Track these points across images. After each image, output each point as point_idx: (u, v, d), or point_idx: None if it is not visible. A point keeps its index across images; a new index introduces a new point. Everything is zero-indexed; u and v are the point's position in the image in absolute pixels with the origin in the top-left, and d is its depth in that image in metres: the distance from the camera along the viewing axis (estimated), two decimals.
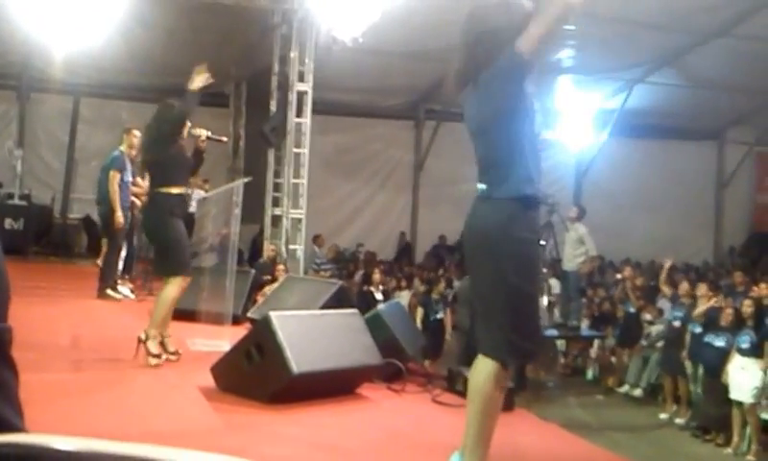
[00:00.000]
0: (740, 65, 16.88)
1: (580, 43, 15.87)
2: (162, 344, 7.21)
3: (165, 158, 7.23)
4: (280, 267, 12.91)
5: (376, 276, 13.93)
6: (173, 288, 7.19)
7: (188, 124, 7.46)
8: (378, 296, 12.80)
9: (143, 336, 7.03)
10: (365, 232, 20.29)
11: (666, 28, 15.49)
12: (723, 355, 10.56)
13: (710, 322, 11.23)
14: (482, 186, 4.12)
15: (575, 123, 20.00)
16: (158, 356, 7.06)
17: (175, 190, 7.21)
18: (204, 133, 7.59)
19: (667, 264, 13.39)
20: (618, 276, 15.97)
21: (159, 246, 7.52)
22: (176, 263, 7.22)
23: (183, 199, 7.48)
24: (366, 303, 10.81)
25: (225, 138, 7.92)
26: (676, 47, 16.79)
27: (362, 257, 18.75)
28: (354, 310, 7.40)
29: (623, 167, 20.50)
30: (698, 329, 11.38)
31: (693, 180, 22.01)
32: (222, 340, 7.78)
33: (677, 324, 11.97)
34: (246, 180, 9.07)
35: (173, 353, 7.32)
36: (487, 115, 4.10)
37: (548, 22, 3.98)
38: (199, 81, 7.38)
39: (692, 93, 18.95)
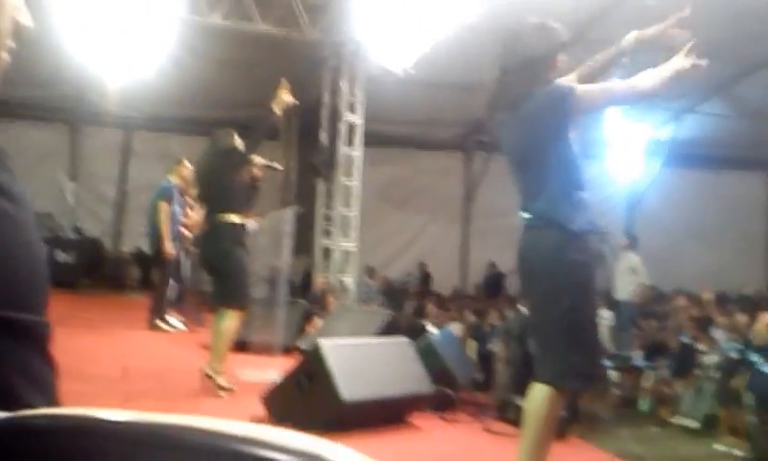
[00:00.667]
0: None
1: (629, 73, 15.75)
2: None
3: (227, 188, 7.21)
4: (331, 299, 12.94)
5: (431, 308, 13.91)
6: (231, 320, 7.16)
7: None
8: (431, 329, 12.73)
9: (210, 372, 7.01)
10: (415, 264, 20.23)
11: (714, 57, 15.25)
12: None
13: (766, 351, 11.00)
14: (527, 216, 4.07)
15: (625, 153, 19.94)
16: (230, 390, 7.05)
17: (236, 219, 7.19)
18: (259, 160, 7.58)
19: (705, 296, 13.23)
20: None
21: (220, 275, 7.41)
22: (237, 293, 7.17)
23: (245, 228, 7.44)
24: (418, 334, 10.74)
25: (279, 166, 7.91)
26: (724, 76, 16.64)
27: (412, 289, 18.68)
28: (405, 339, 7.36)
29: (674, 197, 20.32)
30: (755, 359, 11.15)
31: (744, 209, 21.68)
32: (272, 370, 7.77)
33: (733, 353, 11.75)
34: (296, 208, 9.09)
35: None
36: (530, 145, 4.06)
37: (632, 94, 3.98)
38: (284, 99, 7.31)
39: (741, 123, 18.76)
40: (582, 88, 3.96)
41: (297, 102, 7.58)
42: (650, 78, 3.97)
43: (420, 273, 20.02)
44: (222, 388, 6.97)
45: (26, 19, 1.20)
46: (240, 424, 0.79)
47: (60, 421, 0.84)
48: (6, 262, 0.97)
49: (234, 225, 7.15)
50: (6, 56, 1.16)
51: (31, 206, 1.06)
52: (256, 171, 7.60)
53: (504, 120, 4.20)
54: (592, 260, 4.14)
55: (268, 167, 7.80)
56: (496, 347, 13.38)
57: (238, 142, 7.38)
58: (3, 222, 0.98)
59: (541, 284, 4.00)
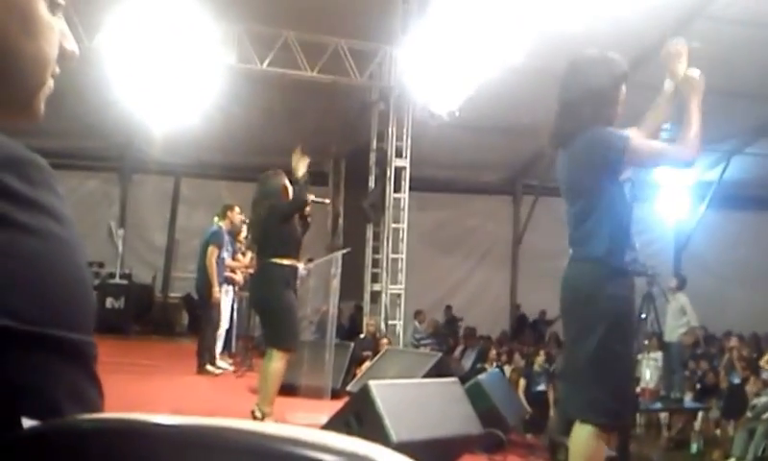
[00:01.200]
0: None
1: (676, 115, 15.69)
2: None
3: (276, 231, 7.24)
4: (384, 340, 12.95)
5: (492, 353, 13.88)
6: (278, 362, 7.16)
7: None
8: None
9: (258, 413, 7.02)
10: (464, 308, 20.14)
11: (763, 100, 15.32)
12: None
13: None
14: (571, 250, 4.06)
15: (673, 195, 19.90)
16: None
17: (286, 262, 7.22)
18: (308, 197, 7.61)
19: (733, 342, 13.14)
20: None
21: (269, 317, 7.44)
22: (284, 335, 7.17)
23: (295, 271, 7.44)
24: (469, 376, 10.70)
25: (327, 200, 7.95)
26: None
27: (462, 333, 18.58)
28: (454, 379, 7.31)
29: (722, 239, 20.22)
30: None
31: None
32: (321, 414, 7.75)
33: None
34: (344, 251, 9.13)
35: None
36: (579, 181, 4.04)
37: (671, 161, 3.97)
38: (302, 166, 7.41)
39: None
40: (635, 144, 3.92)
41: (310, 160, 7.55)
42: (689, 128, 3.93)
43: (447, 315, 19.83)
44: None
45: (71, 45, 1.22)
46: (287, 426, 0.79)
47: (107, 423, 0.85)
48: (56, 282, 0.99)
49: (283, 267, 7.15)
50: (52, 83, 1.18)
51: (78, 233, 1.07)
52: (306, 207, 7.60)
53: (561, 154, 4.19)
54: (631, 297, 4.09)
55: (315, 202, 7.80)
56: (545, 387, 13.32)
57: (287, 183, 7.42)
58: (54, 244, 0.99)
59: (577, 316, 3.99)
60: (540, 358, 13.72)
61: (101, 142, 17.49)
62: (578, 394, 3.98)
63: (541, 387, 13.34)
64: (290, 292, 7.19)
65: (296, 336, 7.24)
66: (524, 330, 20.10)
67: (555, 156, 4.31)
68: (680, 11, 12.72)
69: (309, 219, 7.67)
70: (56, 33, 1.18)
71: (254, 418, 6.96)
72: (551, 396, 13.40)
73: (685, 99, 3.95)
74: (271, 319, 7.39)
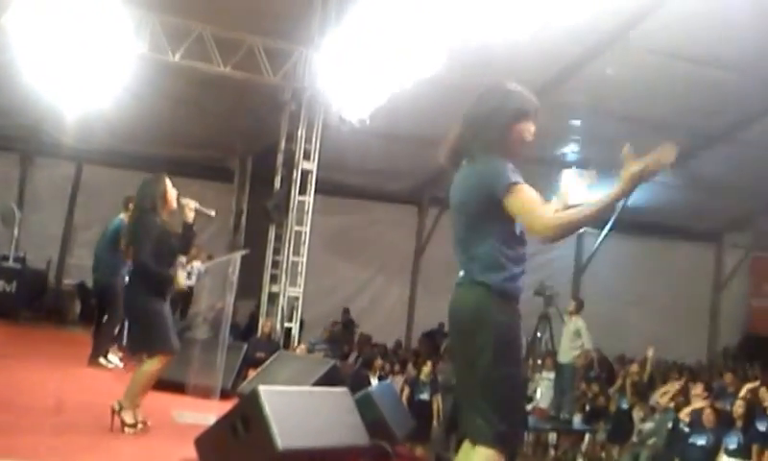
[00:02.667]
0: (739, 170, 17.23)
1: (584, 138, 16.03)
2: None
3: (149, 245, 7.04)
4: (303, 346, 13.04)
5: (378, 362, 13.92)
6: (156, 365, 7.03)
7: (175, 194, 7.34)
8: (374, 381, 12.73)
9: (116, 407, 6.86)
10: (361, 315, 20.14)
11: (670, 129, 15.70)
12: (707, 455, 10.50)
13: (695, 421, 11.17)
14: (460, 273, 4.06)
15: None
16: (134, 425, 6.91)
17: (158, 269, 7.05)
18: (192, 203, 7.39)
19: (650, 353, 13.45)
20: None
21: (141, 322, 7.26)
22: (161, 339, 7.03)
23: (166, 279, 7.19)
24: (361, 385, 10.69)
25: (213, 212, 7.73)
26: (680, 149, 16.91)
27: (357, 339, 18.61)
28: (344, 389, 7.30)
29: (622, 264, 20.72)
30: (686, 429, 11.30)
31: (690, 280, 22.24)
32: (209, 413, 7.67)
33: (669, 423, 11.88)
34: (242, 252, 9.02)
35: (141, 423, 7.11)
36: (465, 201, 4.04)
37: (533, 219, 3.93)
38: (190, 211, 7.25)
39: (693, 195, 19.28)
40: (519, 200, 3.89)
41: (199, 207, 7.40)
42: (576, 211, 3.92)
43: (344, 318, 19.81)
44: (127, 425, 6.83)
45: None
46: None
47: None
48: None
49: (153, 275, 7.02)
50: None
51: None
52: (188, 211, 7.38)
53: (454, 173, 4.20)
54: (517, 323, 4.11)
55: (200, 212, 7.58)
56: (428, 397, 13.44)
57: (168, 188, 7.23)
58: None
59: (464, 341, 3.99)
60: (427, 368, 13.84)
61: (3, 121, 17.02)
62: (471, 417, 3.98)
63: (425, 396, 13.47)
64: (160, 298, 7.04)
65: (168, 341, 7.05)
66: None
67: (450, 173, 4.32)
68: (600, 34, 12.94)
69: (193, 229, 7.42)
70: None
71: (113, 411, 6.84)
72: (434, 406, 13.56)
73: (614, 185, 3.95)
74: (143, 324, 7.22)
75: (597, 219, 3.94)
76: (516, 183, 3.84)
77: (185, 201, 7.33)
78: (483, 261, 3.92)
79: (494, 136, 3.98)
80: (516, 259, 3.98)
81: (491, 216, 3.90)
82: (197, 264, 14.59)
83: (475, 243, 3.96)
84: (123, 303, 7.73)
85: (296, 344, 14.16)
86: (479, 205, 3.93)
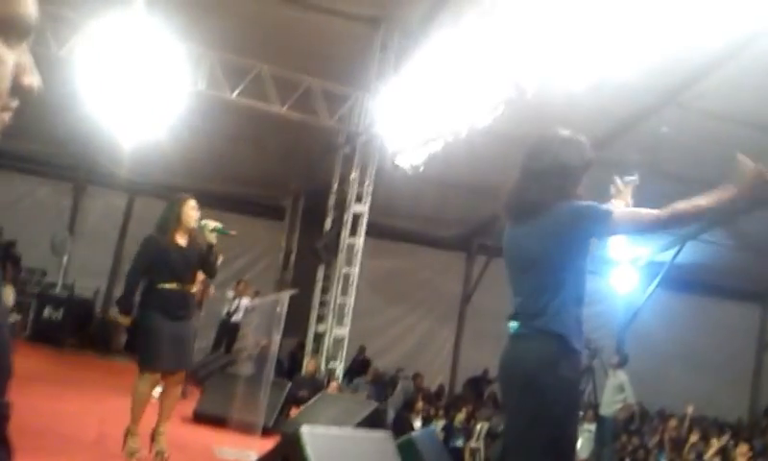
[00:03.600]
0: None
1: (636, 195, 15.96)
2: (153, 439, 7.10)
3: (160, 257, 7.09)
4: (334, 384, 13.00)
5: (419, 405, 13.89)
6: (140, 382, 7.03)
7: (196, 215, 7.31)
8: (417, 423, 12.73)
9: (124, 432, 6.93)
10: (406, 358, 20.13)
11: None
12: None
13: None
14: (516, 325, 4.00)
15: (625, 272, 20.24)
16: (136, 452, 6.92)
17: (161, 285, 7.02)
18: (210, 224, 7.37)
19: (689, 410, 13.34)
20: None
21: (136, 336, 7.37)
22: (143, 356, 7.05)
23: (168, 295, 7.10)
24: (403, 429, 10.69)
25: (234, 232, 7.72)
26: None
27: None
28: (387, 433, 7.31)
29: (667, 319, 20.57)
30: None
31: (734, 338, 22.03)
32: (250, 450, 7.73)
33: None
34: (291, 292, 9.09)
35: (159, 453, 7.10)
36: (540, 251, 3.98)
37: (672, 221, 3.97)
38: (210, 233, 7.26)
39: (740, 255, 19.27)
40: (620, 212, 3.95)
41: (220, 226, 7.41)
42: (687, 204, 3.94)
43: (359, 355, 19.57)
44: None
45: (35, 80, 1.22)
46: None
47: None
48: None
49: (156, 290, 7.01)
50: (6, 116, 1.18)
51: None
52: (209, 234, 7.33)
53: (517, 224, 4.12)
54: (581, 380, 4.11)
55: (222, 233, 7.54)
56: (462, 444, 13.40)
57: (185, 210, 7.27)
58: None
59: (528, 397, 3.91)
60: (461, 415, 13.81)
61: (59, 150, 17.34)
62: None
63: (459, 443, 13.44)
64: (157, 315, 6.97)
65: (152, 359, 7.00)
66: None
67: (505, 223, 4.25)
68: (652, 94, 12.98)
69: (213, 250, 7.38)
70: (7, 67, 1.17)
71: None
72: (467, 453, 13.52)
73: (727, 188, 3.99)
74: (137, 339, 7.30)
75: (707, 215, 4.00)
76: (612, 210, 3.88)
77: (205, 222, 7.32)
78: (557, 313, 3.88)
79: (569, 186, 3.95)
80: (581, 313, 3.97)
81: (572, 261, 3.89)
82: (245, 301, 14.74)
83: (545, 295, 3.89)
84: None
85: (339, 383, 14.17)
86: (563, 249, 3.90)
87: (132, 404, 7.00)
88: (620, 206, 4.14)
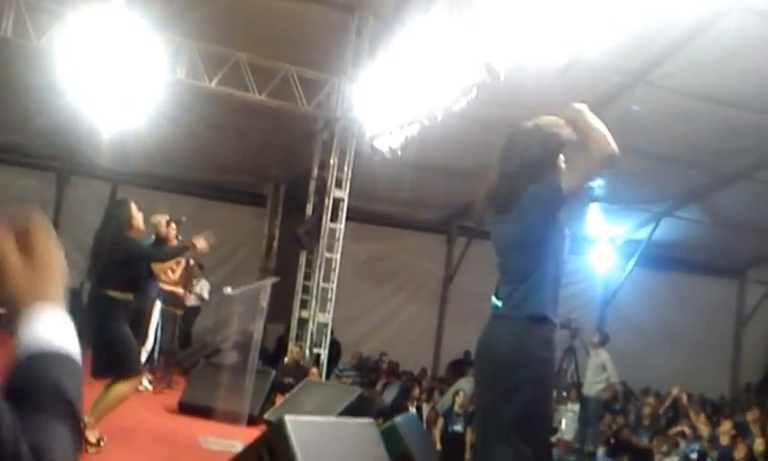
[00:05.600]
0: (761, 208, 17.40)
1: (611, 173, 16.10)
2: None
3: (119, 267, 7.20)
4: (313, 370, 13.05)
5: (416, 391, 13.95)
6: (128, 387, 7.10)
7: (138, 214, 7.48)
8: (412, 410, 12.80)
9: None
10: (390, 342, 20.22)
11: (695, 166, 15.94)
12: None
13: (723, 458, 11.15)
14: (497, 303, 4.14)
15: (602, 251, 20.40)
16: (97, 444, 6.95)
17: (121, 297, 7.14)
18: (162, 218, 7.46)
19: (674, 391, 13.49)
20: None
21: (111, 348, 7.24)
22: (130, 363, 7.14)
23: (128, 305, 7.29)
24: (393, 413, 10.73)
25: (183, 218, 7.86)
26: (702, 185, 17.32)
27: (384, 367, 18.68)
28: (370, 420, 7.39)
29: (647, 297, 20.72)
30: None
31: (713, 315, 22.20)
32: (235, 440, 7.78)
33: (693, 456, 11.88)
34: (274, 280, 9.14)
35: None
36: (516, 235, 4.14)
37: (592, 165, 4.05)
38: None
39: (716, 231, 19.41)
40: (564, 176, 4.07)
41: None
42: (591, 132, 4.04)
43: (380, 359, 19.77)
44: (89, 443, 6.86)
45: None
46: None
47: None
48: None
49: (119, 301, 7.11)
50: None
51: None
52: (161, 228, 7.42)
53: (497, 217, 4.28)
54: (554, 356, 4.22)
55: (175, 222, 7.65)
56: (462, 428, 13.44)
57: (134, 214, 7.34)
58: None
59: (502, 375, 4.04)
60: (460, 399, 13.87)
61: (41, 140, 17.29)
62: (501, 449, 4.06)
63: (458, 428, 13.47)
64: (124, 323, 7.12)
65: (138, 358, 7.15)
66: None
67: (487, 220, 4.40)
68: (622, 74, 13.07)
69: (167, 241, 7.44)
70: None
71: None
72: (468, 438, 13.55)
73: (580, 127, 4.09)
74: (114, 350, 7.22)
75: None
76: (557, 178, 3.99)
77: (156, 218, 7.42)
78: (536, 295, 4.01)
79: (540, 174, 4.13)
80: (558, 291, 4.10)
81: (542, 247, 4.02)
82: (203, 282, 14.84)
83: (524, 276, 4.06)
84: (92, 325, 7.65)
85: (324, 370, 14.24)
86: (538, 228, 4.04)
87: (108, 406, 7.08)
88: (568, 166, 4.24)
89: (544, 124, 4.28)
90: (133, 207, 7.50)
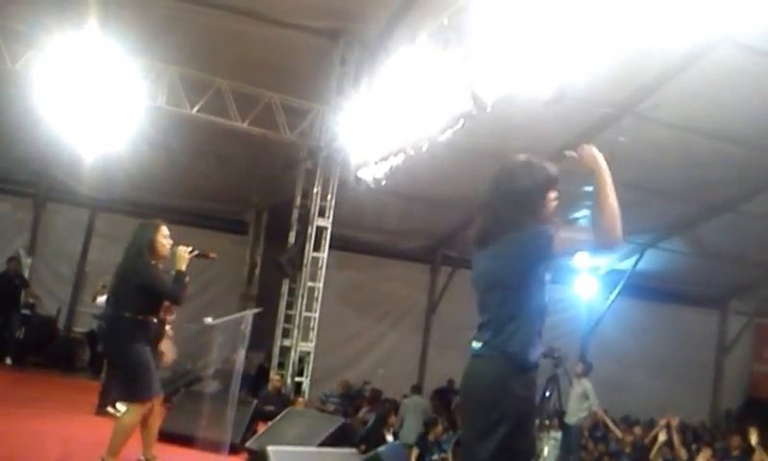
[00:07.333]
0: (744, 239, 17.78)
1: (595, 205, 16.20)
2: None
3: (137, 292, 6.97)
4: (300, 400, 12.99)
5: (392, 418, 13.89)
6: (134, 415, 6.90)
7: (168, 243, 7.24)
8: (389, 438, 12.73)
9: None
10: (373, 370, 20.13)
11: (680, 197, 16.13)
12: None
13: None
14: (477, 345, 4.11)
15: (586, 281, 20.54)
16: None
17: (140, 317, 6.94)
18: (186, 252, 7.26)
19: (662, 422, 13.58)
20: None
21: (124, 370, 7.17)
22: (141, 388, 6.90)
23: (148, 326, 7.05)
24: (377, 444, 10.65)
25: (213, 255, 7.65)
26: (687, 217, 17.58)
27: (367, 395, 18.58)
28: (353, 450, 7.33)
29: (629, 326, 20.98)
30: None
31: (695, 344, 22.47)
32: None
33: None
34: (255, 311, 9.05)
35: None
36: (500, 275, 4.10)
37: (593, 242, 4.04)
38: (183, 261, 7.17)
39: (699, 262, 19.69)
40: (560, 238, 4.02)
41: (197, 252, 7.36)
42: (603, 207, 4.03)
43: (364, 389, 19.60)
44: None
45: None
46: None
47: None
48: None
49: (137, 322, 6.91)
50: None
51: None
52: (181, 263, 7.21)
53: (481, 249, 4.25)
54: (534, 395, 4.18)
55: (200, 256, 7.49)
56: (437, 458, 13.40)
57: (159, 236, 7.19)
58: None
59: (482, 411, 4.01)
60: (438, 429, 13.81)
61: (17, 166, 17.19)
62: None
63: (435, 457, 13.44)
64: (142, 345, 6.90)
65: (150, 386, 6.92)
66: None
67: (473, 252, 4.37)
68: (610, 106, 13.13)
69: (183, 283, 7.25)
70: None
71: None
72: None
73: (596, 179, 4.08)
74: (126, 372, 7.10)
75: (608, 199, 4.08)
76: (552, 234, 3.95)
77: (181, 249, 7.23)
78: (512, 335, 3.98)
79: (530, 210, 4.10)
80: (540, 332, 4.07)
81: (529, 285, 3.98)
82: (103, 297, 14.69)
83: (506, 314, 4.02)
84: (106, 348, 7.48)
85: (305, 398, 14.14)
86: (521, 273, 4.01)
87: (117, 438, 6.82)
88: (570, 230, 4.20)
89: (537, 158, 4.27)
90: (161, 232, 7.21)
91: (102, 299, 14.85)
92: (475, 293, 4.25)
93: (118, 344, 6.99)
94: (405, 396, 17.15)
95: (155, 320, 7.17)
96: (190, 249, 7.23)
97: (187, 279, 7.19)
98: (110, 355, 7.33)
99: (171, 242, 7.26)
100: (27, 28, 12.30)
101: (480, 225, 4.30)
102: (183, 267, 7.14)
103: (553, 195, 4.22)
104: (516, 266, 4.03)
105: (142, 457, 6.99)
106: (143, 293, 6.95)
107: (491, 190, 4.24)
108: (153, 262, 7.11)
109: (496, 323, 4.05)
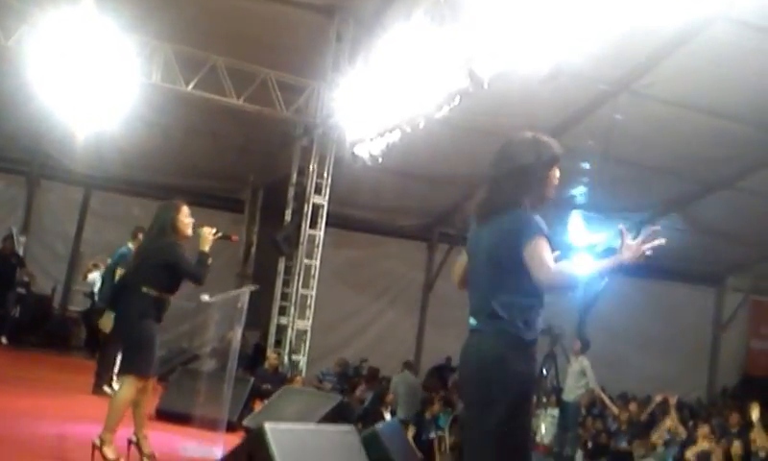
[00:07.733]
0: (741, 217, 17.73)
1: (592, 181, 16.19)
2: (139, 445, 6.99)
3: (156, 269, 6.92)
4: (298, 378, 12.98)
5: (389, 397, 13.89)
6: (129, 389, 6.80)
7: (190, 223, 7.19)
8: (387, 416, 12.74)
9: (98, 442, 6.60)
10: (370, 348, 20.13)
11: (677, 175, 16.07)
12: None
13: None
14: (473, 321, 4.09)
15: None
16: None
17: (154, 293, 6.86)
18: (210, 233, 7.22)
19: (658, 398, 13.58)
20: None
21: (127, 343, 7.14)
22: (140, 362, 6.83)
23: (162, 302, 6.97)
24: (375, 422, 10.65)
25: (236, 237, 7.63)
26: (684, 194, 17.55)
27: (365, 373, 18.58)
28: (351, 427, 7.31)
29: (626, 304, 20.89)
30: None
31: (692, 321, 22.55)
32: (215, 447, 7.68)
33: (669, 459, 11.94)
34: (252, 288, 9.01)
35: (149, 456, 6.95)
36: (499, 250, 4.06)
37: (573, 274, 4.02)
38: (207, 242, 7.11)
39: (696, 239, 19.56)
40: (534, 250, 3.95)
41: (220, 234, 7.31)
42: (572, 265, 4.05)
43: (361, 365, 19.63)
44: (106, 459, 6.62)
45: None
46: None
47: None
48: None
49: (150, 297, 6.84)
50: None
51: None
52: (205, 244, 7.20)
53: (480, 223, 4.22)
54: (534, 371, 4.16)
55: (224, 238, 7.48)
56: (434, 435, 13.43)
57: (181, 220, 7.13)
58: None
59: (480, 390, 3.99)
60: (435, 407, 13.80)
61: (10, 143, 17.11)
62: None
63: (432, 435, 13.46)
64: (151, 321, 6.85)
65: (150, 364, 6.85)
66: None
67: (472, 226, 4.34)
68: (606, 83, 13.08)
69: (205, 264, 7.23)
70: None
71: (94, 447, 6.57)
72: (440, 443, 13.54)
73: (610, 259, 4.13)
74: (131, 345, 7.05)
75: (587, 278, 4.14)
76: (538, 235, 3.91)
77: (204, 230, 7.19)
78: (508, 311, 3.95)
79: (534, 186, 4.10)
80: (538, 307, 4.04)
81: (521, 267, 3.95)
82: (93, 275, 14.64)
83: (501, 293, 3.99)
84: (116, 323, 7.46)
85: (303, 376, 14.13)
86: (510, 256, 3.97)
87: (113, 413, 6.75)
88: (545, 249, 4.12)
89: (543, 136, 4.25)
90: (183, 212, 7.15)
91: (92, 276, 14.87)
92: (471, 266, 4.23)
93: (129, 316, 6.94)
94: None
95: (170, 299, 7.10)
96: (214, 230, 7.21)
97: (210, 260, 7.14)
98: (119, 326, 7.26)
99: (192, 221, 7.21)
100: (20, 3, 12.21)
101: (482, 198, 4.25)
102: (207, 248, 7.09)
103: (556, 173, 4.20)
104: (511, 244, 4.00)
105: (133, 437, 6.94)
106: (166, 271, 6.91)
107: (495, 164, 4.21)
108: (178, 242, 7.07)
109: (492, 298, 4.02)
